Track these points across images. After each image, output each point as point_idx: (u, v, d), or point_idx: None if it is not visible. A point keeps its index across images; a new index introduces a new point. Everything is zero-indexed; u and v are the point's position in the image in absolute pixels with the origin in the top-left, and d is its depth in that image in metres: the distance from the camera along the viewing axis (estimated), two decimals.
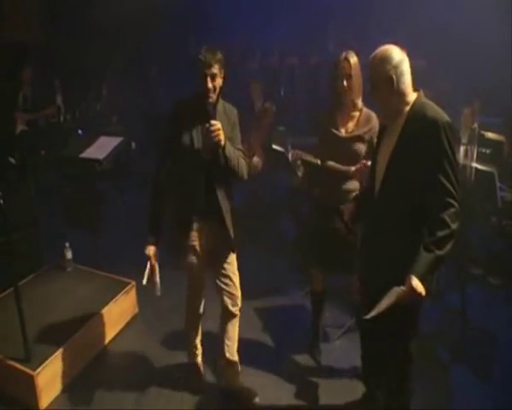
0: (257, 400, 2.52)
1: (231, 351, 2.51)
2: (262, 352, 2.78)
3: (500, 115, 4.61)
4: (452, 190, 1.68)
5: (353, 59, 2.44)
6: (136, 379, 2.72)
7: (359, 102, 2.52)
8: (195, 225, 2.30)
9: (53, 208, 4.80)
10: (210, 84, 2.14)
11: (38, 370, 2.44)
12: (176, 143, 2.23)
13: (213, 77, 2.15)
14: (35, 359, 2.48)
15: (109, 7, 6.85)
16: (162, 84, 7.11)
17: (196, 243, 2.32)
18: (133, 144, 5.84)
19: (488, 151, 4.02)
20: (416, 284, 1.63)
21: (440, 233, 1.64)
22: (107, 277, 3.31)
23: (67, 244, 3.40)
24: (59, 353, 2.58)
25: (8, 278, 2.59)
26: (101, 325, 2.94)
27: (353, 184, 2.58)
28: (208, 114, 2.15)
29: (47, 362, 2.50)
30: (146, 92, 6.90)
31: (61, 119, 5.67)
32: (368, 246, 2.01)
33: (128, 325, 3.20)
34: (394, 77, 1.75)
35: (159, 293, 2.30)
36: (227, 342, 2.49)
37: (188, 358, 2.70)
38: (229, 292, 2.42)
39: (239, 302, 2.47)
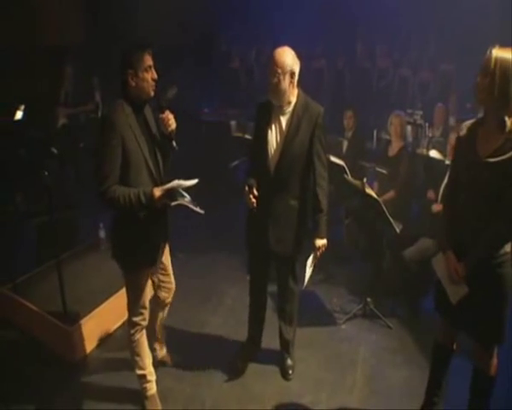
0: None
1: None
2: (273, 333, 2.92)
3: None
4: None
5: (501, 54, 1.73)
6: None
7: (507, 117, 1.80)
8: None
9: (90, 193, 5.18)
10: (155, 75, 2.16)
11: (74, 327, 2.81)
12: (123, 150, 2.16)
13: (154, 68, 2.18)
14: (72, 318, 2.84)
15: (145, 7, 7.26)
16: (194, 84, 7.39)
17: None
18: None
19: None
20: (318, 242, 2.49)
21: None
22: None
23: (101, 225, 3.75)
24: (91, 315, 2.93)
25: (50, 252, 2.96)
26: None
27: None
28: (160, 105, 2.22)
29: (81, 322, 2.85)
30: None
31: (99, 114, 6.04)
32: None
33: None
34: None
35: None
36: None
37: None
38: (167, 287, 2.58)
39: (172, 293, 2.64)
